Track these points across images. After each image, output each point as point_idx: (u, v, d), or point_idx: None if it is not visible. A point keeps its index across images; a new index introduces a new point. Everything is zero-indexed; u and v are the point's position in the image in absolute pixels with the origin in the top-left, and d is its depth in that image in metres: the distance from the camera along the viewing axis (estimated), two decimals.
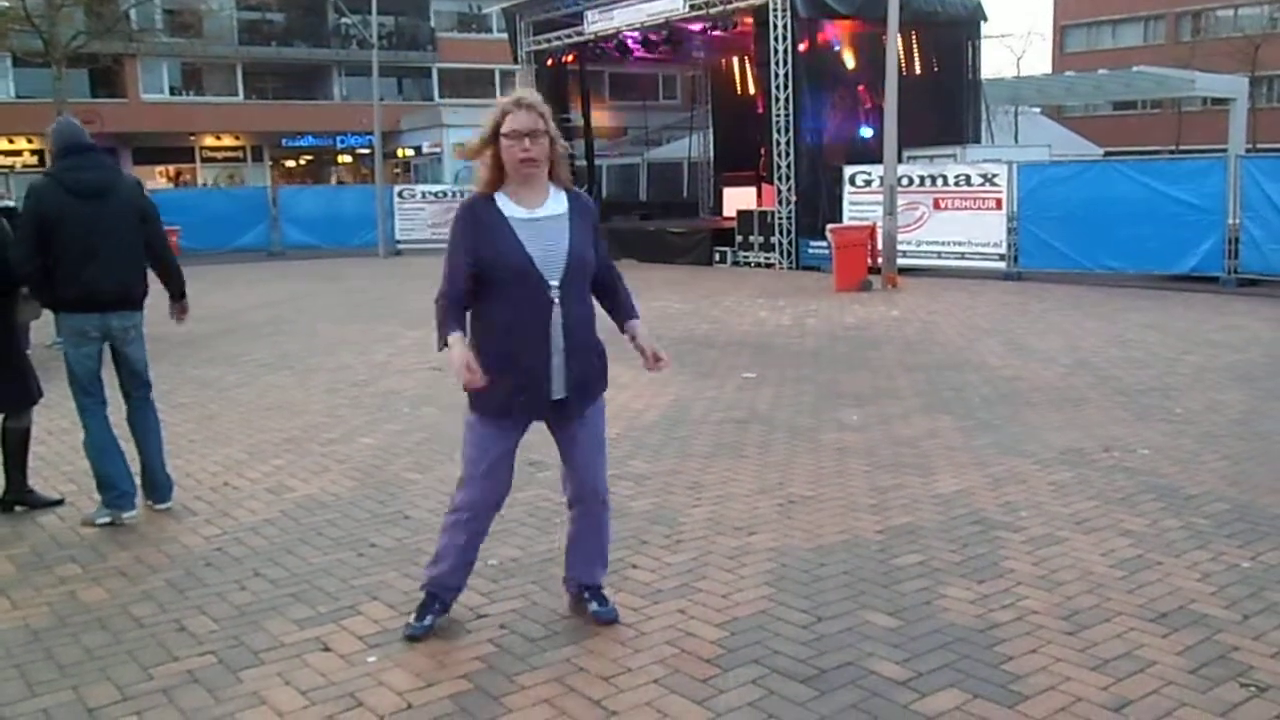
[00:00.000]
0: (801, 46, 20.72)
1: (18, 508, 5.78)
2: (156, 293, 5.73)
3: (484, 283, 3.77)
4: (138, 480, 5.69)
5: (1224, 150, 22.68)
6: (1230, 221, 15.73)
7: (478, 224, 3.78)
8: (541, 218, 3.80)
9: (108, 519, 5.47)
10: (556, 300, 3.75)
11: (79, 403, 5.51)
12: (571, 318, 3.79)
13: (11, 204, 11.45)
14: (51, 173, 5.45)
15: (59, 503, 5.89)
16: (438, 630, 4.08)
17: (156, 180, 42.92)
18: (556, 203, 3.86)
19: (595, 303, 4.01)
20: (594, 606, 4.18)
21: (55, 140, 5.48)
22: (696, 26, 24.20)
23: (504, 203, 3.80)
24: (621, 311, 4.07)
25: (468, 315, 3.85)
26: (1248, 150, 27.63)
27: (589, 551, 4.18)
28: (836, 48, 21.75)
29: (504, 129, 3.74)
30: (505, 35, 28.94)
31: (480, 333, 3.84)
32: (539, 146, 3.75)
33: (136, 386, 5.69)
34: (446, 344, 3.76)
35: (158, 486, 5.76)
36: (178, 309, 5.92)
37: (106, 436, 5.54)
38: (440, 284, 3.83)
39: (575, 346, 3.82)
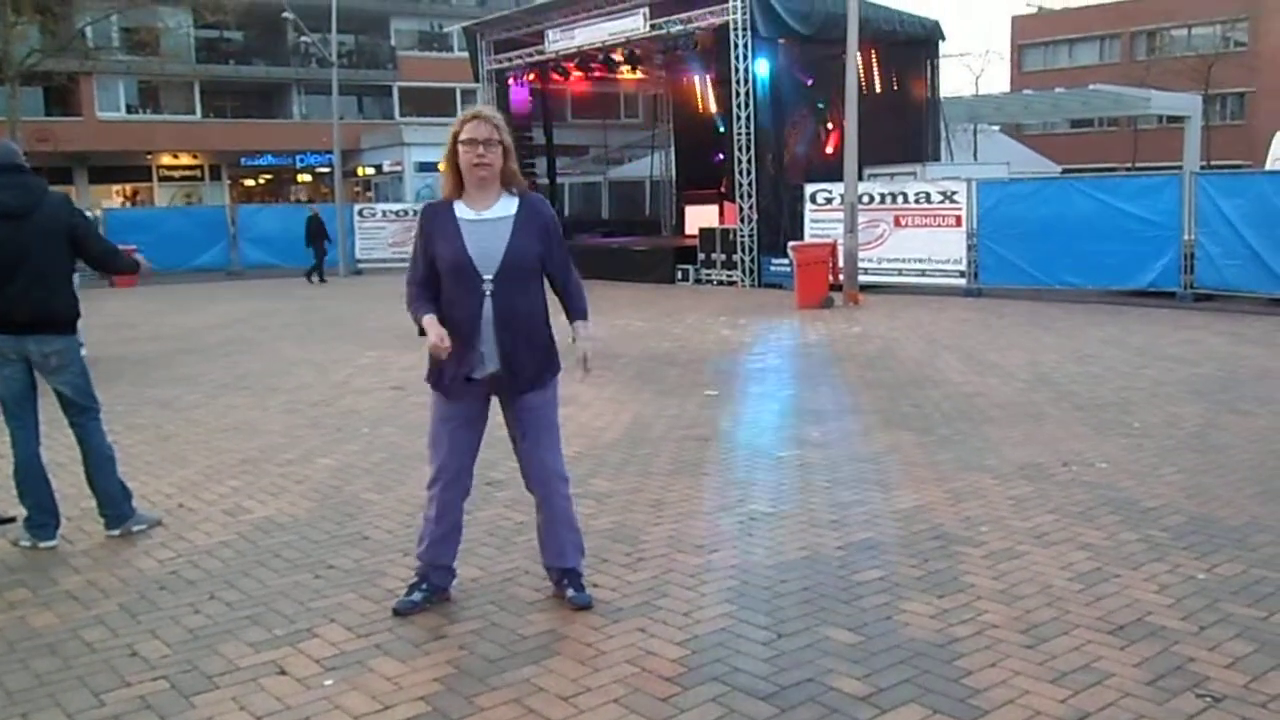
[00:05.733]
0: (762, 65, 20.86)
1: None
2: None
3: (439, 274, 4.25)
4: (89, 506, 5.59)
5: (1179, 167, 23.00)
6: (1185, 237, 15.96)
7: (430, 224, 4.31)
8: (487, 219, 4.23)
9: (28, 544, 5.41)
10: (488, 293, 4.18)
11: (6, 424, 5.44)
12: (505, 309, 4.19)
13: None
14: None
15: (10, 520, 5.78)
16: (393, 651, 4.04)
17: (113, 199, 42.46)
18: (505, 206, 4.28)
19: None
20: (569, 593, 4.48)
21: None
22: (657, 46, 24.27)
23: (459, 206, 4.27)
24: (569, 311, 4.49)
25: None
26: (1202, 167, 28.04)
27: (556, 537, 4.48)
28: (797, 66, 21.90)
29: (462, 137, 4.20)
30: (466, 54, 28.89)
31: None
32: (493, 154, 4.20)
33: (73, 414, 5.51)
34: (422, 326, 4.20)
35: (105, 514, 5.60)
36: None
37: (27, 462, 5.44)
38: (409, 272, 4.36)
39: (507, 334, 4.21)
